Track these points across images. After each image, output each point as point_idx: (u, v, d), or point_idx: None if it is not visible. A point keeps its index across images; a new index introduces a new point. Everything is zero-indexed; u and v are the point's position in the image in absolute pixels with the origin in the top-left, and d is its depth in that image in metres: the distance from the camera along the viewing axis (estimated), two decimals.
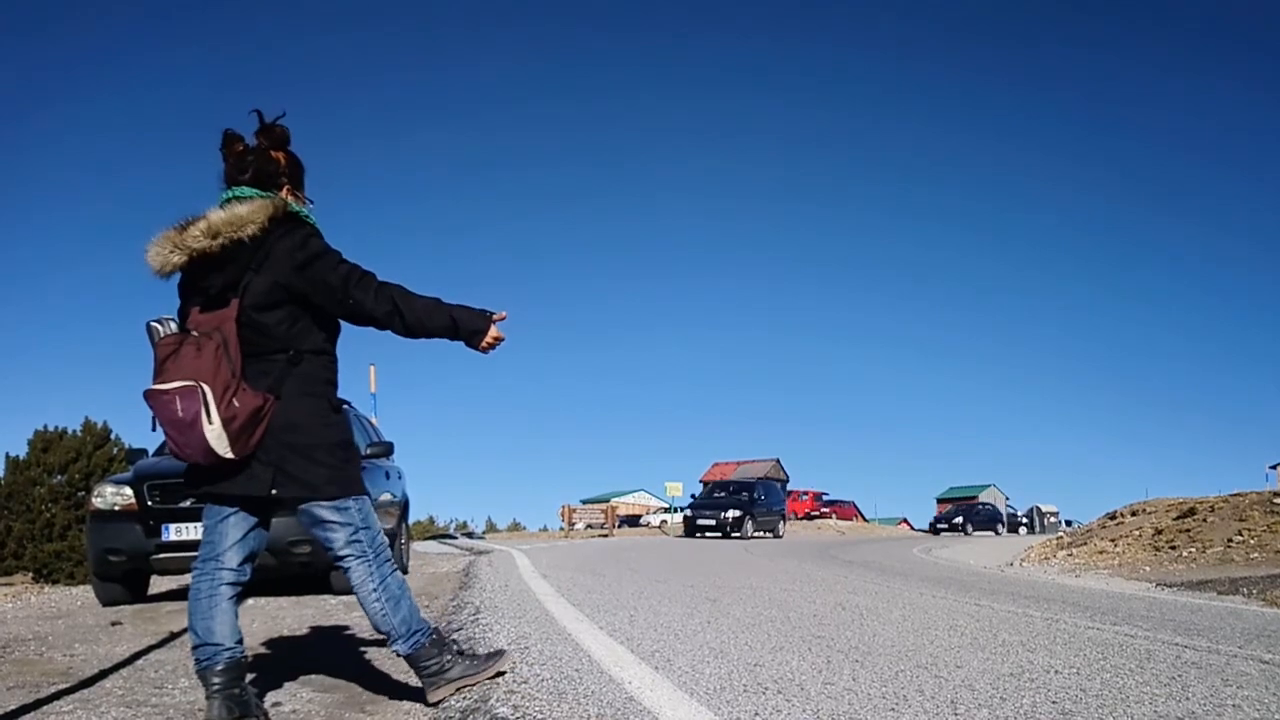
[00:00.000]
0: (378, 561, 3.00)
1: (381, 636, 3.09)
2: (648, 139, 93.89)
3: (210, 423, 2.69)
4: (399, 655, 3.09)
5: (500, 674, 3.29)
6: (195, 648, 2.89)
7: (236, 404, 2.73)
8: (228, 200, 2.94)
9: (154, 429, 2.85)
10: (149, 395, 2.75)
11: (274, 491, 2.86)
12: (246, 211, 2.86)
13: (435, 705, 3.11)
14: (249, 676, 3.08)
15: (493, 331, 3.08)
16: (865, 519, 61.11)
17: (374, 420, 11.68)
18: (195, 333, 2.81)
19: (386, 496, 8.64)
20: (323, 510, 2.94)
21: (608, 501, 53.23)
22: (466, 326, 3.06)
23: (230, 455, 2.75)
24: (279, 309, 2.89)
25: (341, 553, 2.98)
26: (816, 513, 58.34)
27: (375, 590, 2.99)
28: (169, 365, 2.75)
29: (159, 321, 2.89)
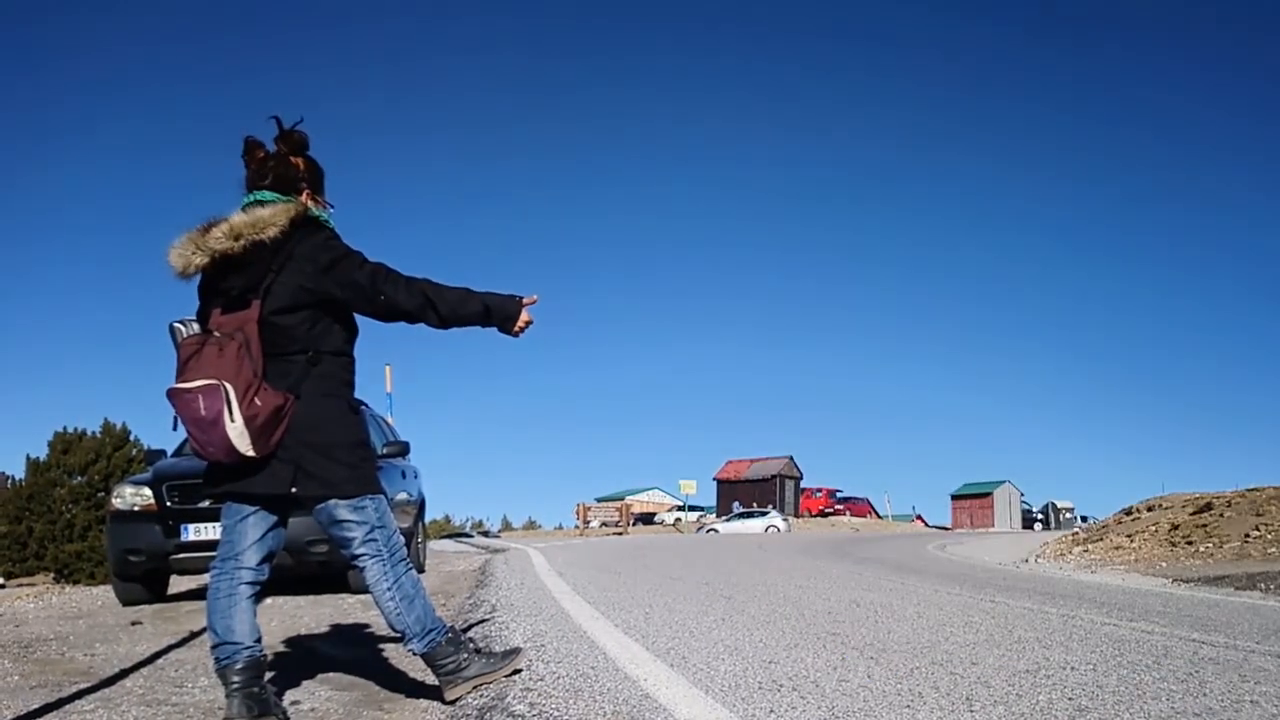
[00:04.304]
0: (392, 561, 3.03)
1: (398, 635, 3.11)
2: (661, 136, 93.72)
3: (232, 421, 2.73)
4: (415, 654, 3.12)
5: (517, 671, 3.31)
6: (214, 646, 2.93)
7: (258, 402, 2.77)
8: (249, 204, 2.98)
9: (175, 428, 2.88)
10: (172, 394, 2.79)
11: (294, 490, 2.90)
12: (268, 214, 2.90)
13: (452, 703, 3.13)
14: (268, 675, 3.11)
15: (524, 315, 3.15)
16: (879, 516, 60.91)
17: (390, 420, 11.73)
18: (217, 333, 2.85)
19: (403, 495, 8.68)
20: (340, 509, 2.97)
21: (622, 500, 53.20)
22: (499, 312, 3.13)
23: (252, 453, 2.78)
24: (300, 311, 2.93)
25: (357, 551, 3.01)
26: (830, 510, 58.24)
27: (390, 589, 3.01)
28: (191, 365, 2.79)
29: (182, 323, 2.93)
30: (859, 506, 60.25)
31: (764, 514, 42.26)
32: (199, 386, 2.74)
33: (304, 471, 2.89)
